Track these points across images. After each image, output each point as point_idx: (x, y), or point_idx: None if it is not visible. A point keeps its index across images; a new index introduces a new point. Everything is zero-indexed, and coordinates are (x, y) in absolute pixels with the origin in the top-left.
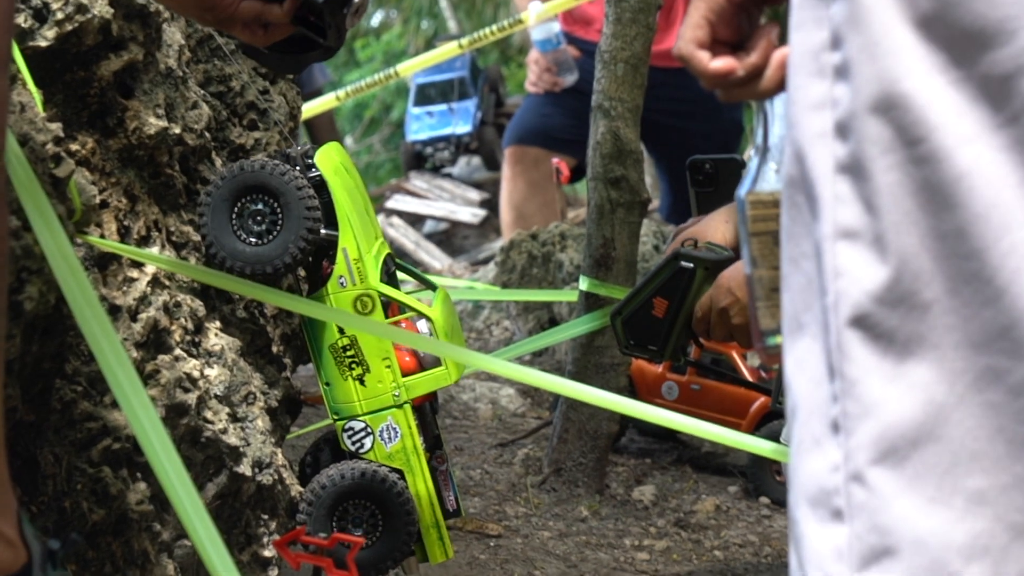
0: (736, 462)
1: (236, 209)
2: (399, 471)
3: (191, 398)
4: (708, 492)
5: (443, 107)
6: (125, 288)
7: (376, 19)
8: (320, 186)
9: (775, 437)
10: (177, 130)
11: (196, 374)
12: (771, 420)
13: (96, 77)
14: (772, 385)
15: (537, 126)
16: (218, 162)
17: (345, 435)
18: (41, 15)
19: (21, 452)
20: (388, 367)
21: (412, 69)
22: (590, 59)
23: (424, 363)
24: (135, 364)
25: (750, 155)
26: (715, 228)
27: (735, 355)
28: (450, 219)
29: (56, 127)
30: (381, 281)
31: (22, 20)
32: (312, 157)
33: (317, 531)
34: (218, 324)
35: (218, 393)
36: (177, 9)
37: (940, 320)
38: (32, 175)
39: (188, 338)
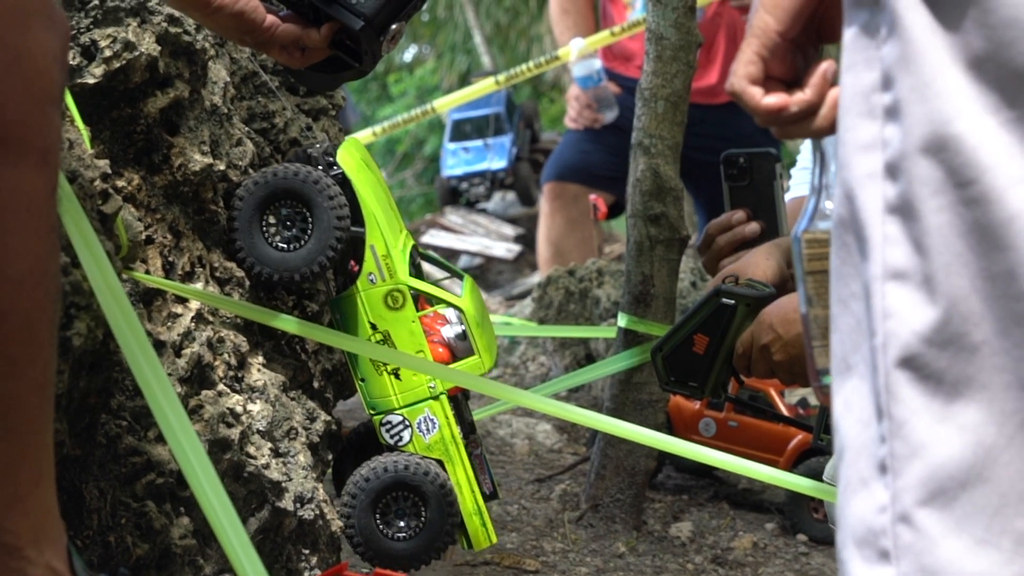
0: (773, 499)
1: (266, 214)
2: (439, 462)
3: (234, 433)
4: (745, 529)
5: (479, 143)
6: (169, 324)
7: (409, 54)
8: (343, 183)
9: (813, 474)
10: (222, 167)
11: (239, 409)
12: (809, 457)
13: (143, 114)
14: (811, 422)
15: (577, 162)
16: None
17: (383, 429)
18: (89, 52)
19: (67, 486)
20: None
21: (449, 105)
22: (630, 96)
23: (456, 353)
24: (179, 399)
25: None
26: (756, 264)
27: (772, 392)
28: (485, 254)
29: (104, 164)
30: (409, 274)
31: (71, 57)
32: (333, 155)
33: (360, 524)
34: (261, 359)
35: (260, 428)
36: (217, 30)
37: (989, 361)
38: (81, 211)
39: (231, 373)
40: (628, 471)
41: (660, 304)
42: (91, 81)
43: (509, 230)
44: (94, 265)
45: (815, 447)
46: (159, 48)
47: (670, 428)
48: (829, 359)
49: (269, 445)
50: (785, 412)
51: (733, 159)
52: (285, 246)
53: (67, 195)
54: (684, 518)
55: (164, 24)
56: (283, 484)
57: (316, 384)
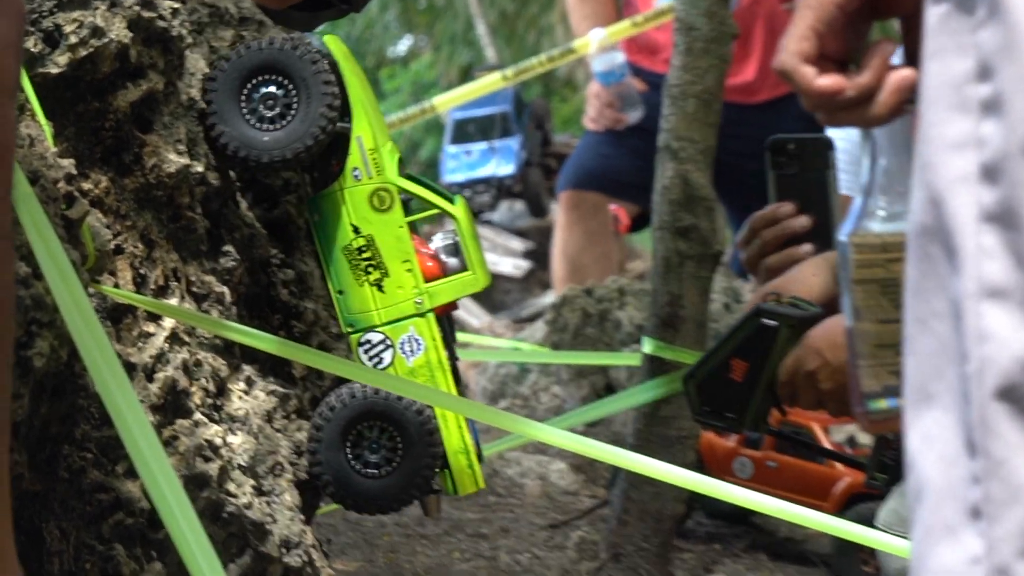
0: (818, 549)
1: (245, 93)
2: None
3: (212, 468)
4: None
5: (483, 145)
6: (141, 344)
7: (404, 46)
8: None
9: (864, 520)
10: (200, 168)
11: (218, 441)
12: (860, 502)
13: (112, 108)
14: (862, 461)
15: (597, 168)
16: (243, 205)
17: (361, 349)
18: (52, 39)
19: (25, 525)
20: (409, 271)
21: (450, 103)
22: (656, 93)
23: (447, 268)
24: (152, 429)
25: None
26: (801, 281)
27: (816, 427)
28: (490, 271)
29: (68, 163)
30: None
31: (31, 44)
32: (318, 42)
33: (327, 459)
34: (242, 386)
35: (242, 463)
36: None
37: None
38: (43, 217)
39: (209, 401)
40: (654, 516)
41: (690, 328)
42: (54, 71)
43: (517, 244)
44: (58, 277)
45: (867, 489)
46: (131, 35)
47: (701, 468)
48: (878, 381)
49: (251, 482)
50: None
51: (781, 145)
52: (267, 126)
53: (26, 198)
54: (717, 570)
55: (136, 8)
56: (267, 526)
57: (305, 414)
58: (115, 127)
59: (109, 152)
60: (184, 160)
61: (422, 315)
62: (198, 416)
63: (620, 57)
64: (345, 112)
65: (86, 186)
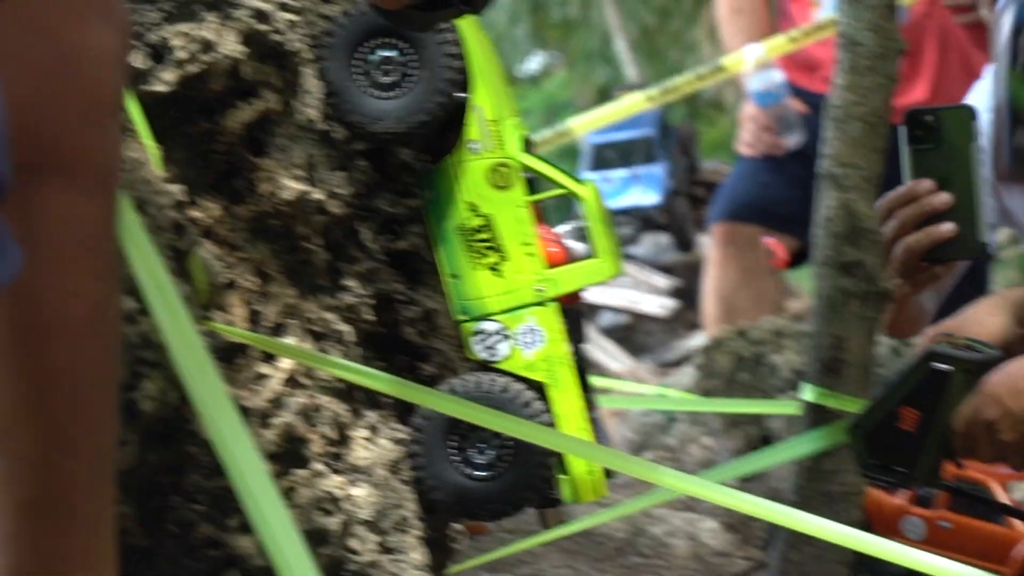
0: None
1: (358, 57)
2: (540, 386)
3: (333, 522)
4: None
5: (624, 172)
6: (255, 387)
7: (535, 64)
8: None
9: None
10: (319, 195)
11: (339, 493)
12: None
13: (223, 130)
14: None
15: (753, 198)
16: (366, 234)
17: (474, 340)
18: (159, 54)
19: None
20: (530, 255)
21: (588, 126)
22: (817, 115)
23: (572, 254)
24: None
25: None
26: (978, 321)
27: (995, 483)
28: (632, 310)
29: (177, 190)
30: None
31: (137, 59)
32: None
33: (429, 461)
34: (366, 433)
35: (365, 517)
36: None
37: None
38: (150, 248)
39: (330, 449)
40: None
41: (854, 373)
42: (161, 88)
43: (662, 281)
44: (166, 313)
45: None
46: (244, 50)
47: (866, 527)
48: None
49: (375, 538)
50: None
51: (919, 117)
52: (386, 94)
53: (132, 227)
54: None
55: (250, 20)
56: None
57: None
58: (227, 150)
59: (220, 178)
60: (302, 186)
61: (543, 304)
62: (318, 466)
63: (779, 76)
64: (467, 83)
65: (196, 214)
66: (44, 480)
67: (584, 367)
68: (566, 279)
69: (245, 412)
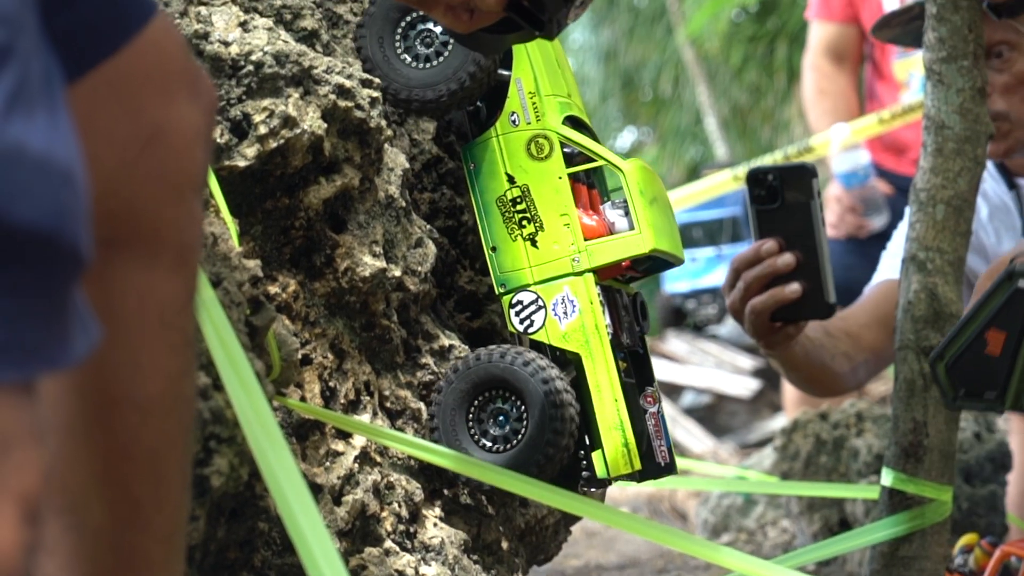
0: None
1: (400, 29)
2: (574, 357)
3: None
4: None
5: (710, 251)
6: (328, 463)
7: (628, 139)
8: None
9: None
10: (397, 272)
11: (410, 572)
12: None
13: (303, 205)
14: None
15: (838, 279)
16: (443, 312)
17: (512, 311)
18: (240, 129)
19: None
20: (567, 226)
21: (676, 205)
22: (903, 197)
23: (612, 227)
24: (340, 557)
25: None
26: None
27: None
28: (715, 391)
29: (254, 265)
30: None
31: (218, 134)
32: None
33: (446, 430)
34: (438, 512)
35: None
36: None
37: None
38: (225, 323)
39: (402, 528)
40: None
41: (935, 458)
42: (242, 164)
43: (746, 362)
44: (239, 388)
45: None
46: (325, 125)
47: None
48: None
49: None
50: None
51: (760, 177)
52: (419, 64)
53: (208, 302)
54: None
55: (332, 96)
56: None
57: (504, 544)
58: (306, 226)
59: (299, 253)
60: (380, 263)
61: (578, 274)
62: (389, 544)
63: (865, 157)
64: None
65: (273, 290)
66: (115, 554)
67: (647, 355)
68: (603, 251)
69: (318, 488)
